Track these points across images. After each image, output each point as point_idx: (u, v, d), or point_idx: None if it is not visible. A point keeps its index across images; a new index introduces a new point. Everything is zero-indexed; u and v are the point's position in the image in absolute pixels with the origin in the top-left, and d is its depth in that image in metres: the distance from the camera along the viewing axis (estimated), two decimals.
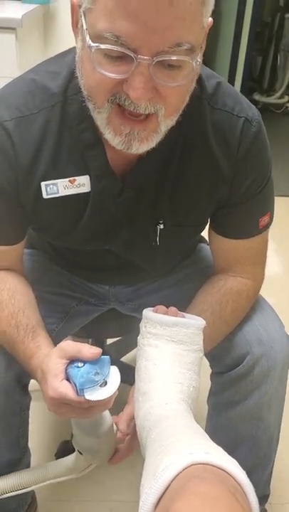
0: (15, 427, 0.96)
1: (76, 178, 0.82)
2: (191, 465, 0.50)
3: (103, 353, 0.73)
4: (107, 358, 0.73)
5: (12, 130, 0.78)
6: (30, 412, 1.00)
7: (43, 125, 0.79)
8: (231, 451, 0.56)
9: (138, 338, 0.82)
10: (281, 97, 4.08)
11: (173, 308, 0.83)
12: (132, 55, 0.61)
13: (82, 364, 0.71)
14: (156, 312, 0.82)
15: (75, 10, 0.67)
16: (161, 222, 0.88)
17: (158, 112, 0.68)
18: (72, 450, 1.32)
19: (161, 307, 0.83)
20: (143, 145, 0.71)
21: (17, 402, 0.93)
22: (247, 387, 0.90)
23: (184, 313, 0.85)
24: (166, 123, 0.70)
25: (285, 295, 1.97)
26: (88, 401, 0.71)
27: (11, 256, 0.92)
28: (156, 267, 1.01)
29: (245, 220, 0.90)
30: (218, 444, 0.59)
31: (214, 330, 0.89)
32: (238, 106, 0.82)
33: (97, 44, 0.62)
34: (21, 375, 0.90)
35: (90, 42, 0.63)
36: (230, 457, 0.54)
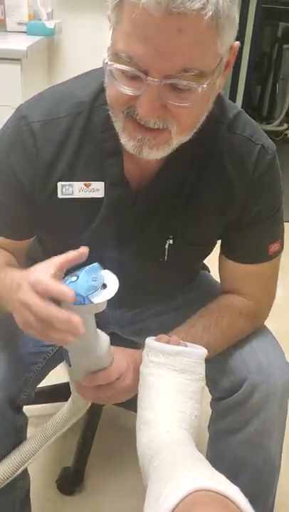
0: (9, 448, 0.94)
1: (92, 182, 0.85)
2: (195, 491, 0.51)
3: None
4: (96, 264, 0.72)
5: (37, 130, 0.83)
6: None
7: (67, 129, 0.83)
8: (233, 479, 0.56)
9: (140, 367, 0.83)
10: (280, 124, 4.15)
11: (175, 337, 0.84)
12: (142, 76, 0.66)
13: (75, 278, 0.70)
14: (158, 341, 0.83)
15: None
16: (171, 237, 0.90)
17: (170, 128, 0.72)
18: (74, 477, 1.31)
19: (164, 336, 0.84)
20: (153, 152, 0.74)
21: (11, 422, 0.90)
22: (246, 414, 0.90)
23: (186, 343, 0.85)
24: (178, 139, 0.74)
25: (284, 321, 1.97)
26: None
27: (10, 247, 0.92)
28: (160, 286, 1.02)
29: (255, 245, 0.92)
30: (220, 471, 0.59)
31: (209, 334, 0.91)
32: (256, 134, 0.87)
33: (112, 63, 0.68)
34: (14, 397, 0.89)
35: (107, 60, 0.69)
36: (233, 484, 0.54)
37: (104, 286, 0.71)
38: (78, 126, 0.84)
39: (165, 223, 0.89)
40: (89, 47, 2.48)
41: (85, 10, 2.46)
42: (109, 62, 0.69)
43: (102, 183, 0.85)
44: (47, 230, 0.94)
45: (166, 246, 0.91)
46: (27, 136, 0.83)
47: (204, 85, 0.67)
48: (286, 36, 4.02)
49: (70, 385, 0.88)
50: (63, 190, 0.85)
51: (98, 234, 0.89)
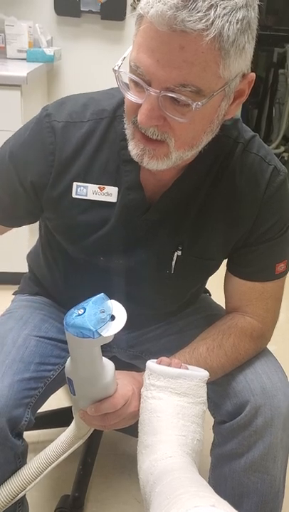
0: (9, 475, 0.91)
1: (106, 186, 0.88)
2: None
3: None
4: (102, 294, 0.72)
5: (58, 129, 0.87)
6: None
7: (87, 133, 0.88)
8: (236, 505, 0.55)
9: (141, 390, 0.83)
10: (277, 147, 4.19)
11: (176, 360, 0.84)
12: (144, 85, 0.70)
13: (82, 310, 0.69)
14: (159, 364, 0.82)
15: None
16: (180, 248, 0.92)
17: (168, 141, 0.75)
18: (73, 505, 1.29)
19: (165, 359, 0.84)
20: (152, 162, 0.78)
21: (10, 448, 0.88)
22: (250, 438, 0.89)
23: (188, 365, 0.85)
24: (177, 153, 0.77)
25: (285, 343, 1.96)
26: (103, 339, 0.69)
27: None
28: (164, 301, 1.02)
29: (262, 263, 0.94)
30: (222, 497, 0.58)
31: (213, 356, 0.91)
32: (269, 156, 0.91)
33: (120, 70, 0.74)
34: (15, 422, 0.88)
35: (117, 67, 0.74)
36: (236, 511, 0.53)
37: (112, 317, 0.70)
38: (98, 131, 0.88)
39: (175, 234, 0.91)
40: (88, 73, 2.53)
41: (84, 37, 2.51)
42: (117, 69, 0.74)
43: (116, 188, 0.88)
44: (56, 229, 0.97)
45: (174, 257, 0.93)
46: (47, 132, 0.87)
47: (199, 103, 0.70)
48: (281, 61, 4.10)
49: (73, 412, 0.86)
50: (78, 190, 0.89)
51: (106, 239, 0.91)
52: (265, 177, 0.89)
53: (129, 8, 2.44)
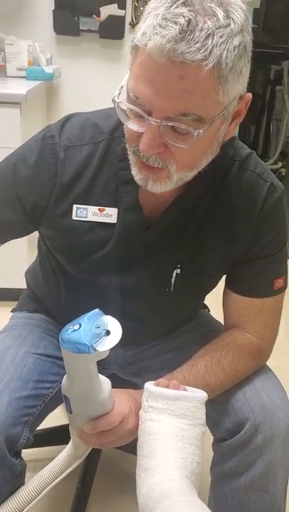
0: (6, 495, 0.90)
1: (105, 208, 0.89)
2: None
3: None
4: (97, 310, 0.72)
5: (60, 153, 0.88)
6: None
7: (87, 156, 0.88)
8: None
9: (140, 412, 0.82)
10: (275, 162, 4.22)
11: (174, 381, 0.84)
12: (144, 116, 0.70)
13: (78, 326, 0.69)
14: (157, 385, 0.82)
15: None
16: (179, 266, 0.92)
17: (169, 167, 0.76)
18: None
19: (163, 380, 0.83)
20: (156, 186, 0.79)
21: (8, 467, 0.87)
22: (250, 456, 0.88)
23: (186, 386, 0.84)
24: (178, 175, 0.78)
25: (285, 358, 1.95)
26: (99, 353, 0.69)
27: None
28: (162, 319, 1.02)
29: (260, 279, 0.94)
30: None
31: (210, 373, 0.91)
32: (266, 173, 0.91)
33: (120, 100, 0.74)
34: (13, 441, 0.87)
35: (116, 98, 0.74)
36: None
37: (107, 332, 0.70)
38: (98, 154, 0.88)
39: (174, 252, 0.92)
40: (86, 91, 2.56)
41: (83, 56, 2.54)
42: (117, 100, 0.74)
43: (116, 209, 0.89)
44: (56, 248, 0.97)
45: (174, 275, 0.93)
46: (50, 154, 0.88)
47: (201, 131, 0.70)
48: (278, 78, 4.15)
49: (70, 431, 0.86)
50: (78, 212, 0.89)
51: (106, 260, 0.92)
52: (261, 194, 0.89)
53: (127, 27, 2.48)
